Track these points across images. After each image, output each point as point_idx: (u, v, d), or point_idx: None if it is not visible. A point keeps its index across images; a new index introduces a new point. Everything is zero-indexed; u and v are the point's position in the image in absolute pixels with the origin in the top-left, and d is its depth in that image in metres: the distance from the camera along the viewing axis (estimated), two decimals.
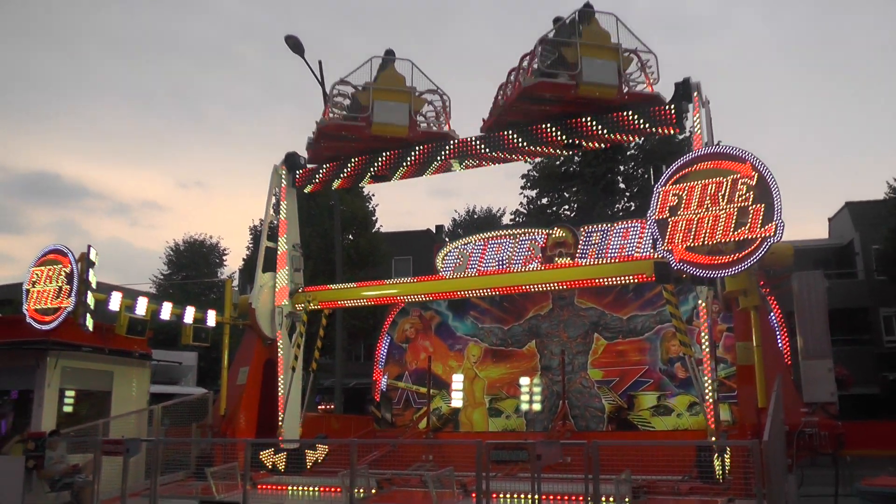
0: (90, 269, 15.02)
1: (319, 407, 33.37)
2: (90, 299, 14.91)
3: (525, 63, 14.25)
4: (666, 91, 14.35)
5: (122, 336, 15.90)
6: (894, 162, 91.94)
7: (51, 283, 15.18)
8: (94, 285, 15.06)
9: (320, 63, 24.52)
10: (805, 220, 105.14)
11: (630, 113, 14.41)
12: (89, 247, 15.14)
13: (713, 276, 12.07)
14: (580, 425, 18.73)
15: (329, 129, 16.12)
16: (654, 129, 14.65)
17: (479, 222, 45.02)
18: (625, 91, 14.17)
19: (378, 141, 16.16)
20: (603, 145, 15.46)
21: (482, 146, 15.72)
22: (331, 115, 16.07)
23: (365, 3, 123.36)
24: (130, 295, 16.05)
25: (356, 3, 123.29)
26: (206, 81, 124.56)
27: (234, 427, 16.31)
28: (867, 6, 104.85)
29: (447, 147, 16.12)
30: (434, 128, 16.29)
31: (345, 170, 17.03)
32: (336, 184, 17.84)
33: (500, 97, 15.21)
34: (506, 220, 44.08)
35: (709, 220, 11.62)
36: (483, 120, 15.75)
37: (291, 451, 15.81)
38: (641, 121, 14.35)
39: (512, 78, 14.73)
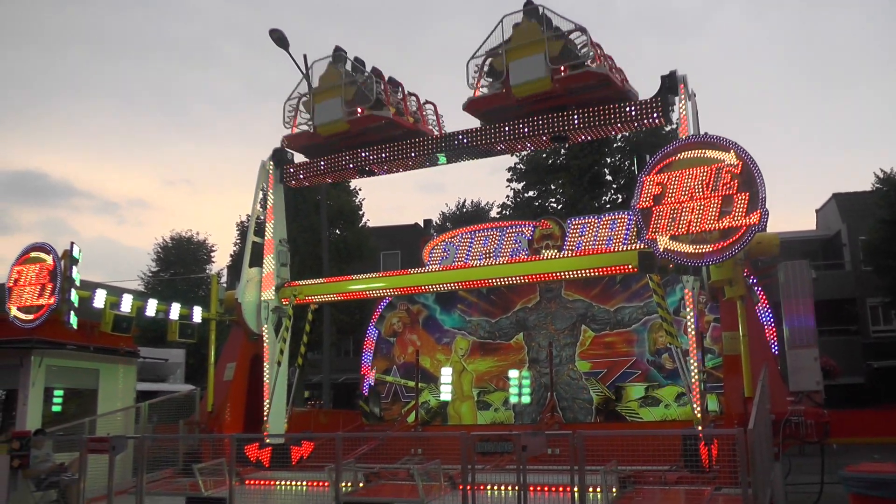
0: (74, 266, 14.96)
1: (308, 403, 33.32)
2: (74, 296, 14.85)
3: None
4: (652, 85, 14.26)
5: (108, 333, 15.83)
6: (881, 153, 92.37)
7: (34, 280, 15.10)
8: (77, 282, 14.98)
9: (305, 57, 24.33)
10: (793, 212, 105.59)
11: (614, 106, 14.31)
12: (72, 244, 15.06)
13: (697, 264, 12.04)
14: (568, 417, 18.75)
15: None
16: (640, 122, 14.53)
17: (467, 216, 44.85)
18: (566, 75, 13.93)
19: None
20: (589, 138, 15.32)
21: (467, 140, 15.62)
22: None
23: None
24: (116, 292, 15.92)
25: None
26: (190, 79, 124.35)
27: (220, 423, 16.24)
28: (852, 3, 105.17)
29: (433, 141, 16.03)
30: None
31: (332, 165, 16.91)
32: (324, 179, 17.80)
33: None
34: (494, 213, 43.98)
35: (693, 208, 11.57)
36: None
37: (277, 446, 15.75)
38: (626, 113, 14.23)
39: None
